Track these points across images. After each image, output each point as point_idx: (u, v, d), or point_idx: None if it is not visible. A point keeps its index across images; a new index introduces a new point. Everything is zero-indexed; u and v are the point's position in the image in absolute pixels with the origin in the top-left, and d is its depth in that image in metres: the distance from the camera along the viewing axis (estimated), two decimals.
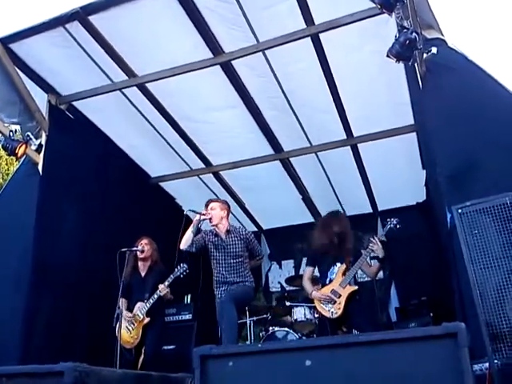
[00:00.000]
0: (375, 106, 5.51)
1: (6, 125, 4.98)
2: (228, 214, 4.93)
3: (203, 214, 4.68)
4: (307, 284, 4.97)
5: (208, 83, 5.34)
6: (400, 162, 6.41)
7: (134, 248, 5.05)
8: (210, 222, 4.72)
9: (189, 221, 4.80)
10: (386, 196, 7.17)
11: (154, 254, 5.29)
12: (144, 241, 5.23)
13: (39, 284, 4.65)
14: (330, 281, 4.76)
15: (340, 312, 4.56)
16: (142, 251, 5.15)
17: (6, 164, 21.07)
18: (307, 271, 5.10)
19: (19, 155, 4.80)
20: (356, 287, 4.68)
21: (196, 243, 4.66)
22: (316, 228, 5.06)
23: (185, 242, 4.63)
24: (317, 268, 5.05)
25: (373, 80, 5.13)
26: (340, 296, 4.60)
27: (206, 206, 4.83)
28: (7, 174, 20.69)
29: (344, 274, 4.71)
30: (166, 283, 4.99)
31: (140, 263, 5.27)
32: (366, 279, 5.86)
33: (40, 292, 4.65)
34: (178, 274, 5.00)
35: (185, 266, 5.01)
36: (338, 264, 4.79)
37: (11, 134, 4.86)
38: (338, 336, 4.27)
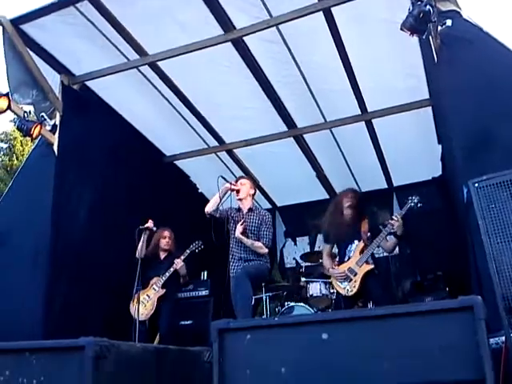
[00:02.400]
0: (389, 81, 5.43)
1: (21, 106, 5.00)
2: (254, 194, 5.00)
3: (234, 184, 4.77)
4: (326, 260, 5.00)
5: (220, 60, 5.31)
6: (415, 137, 6.34)
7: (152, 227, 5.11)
8: (237, 194, 4.80)
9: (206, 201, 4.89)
10: (402, 171, 7.12)
11: (174, 245, 5.49)
12: (167, 234, 5.40)
13: (57, 264, 4.74)
14: (349, 258, 4.77)
15: (355, 290, 4.57)
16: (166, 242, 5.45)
17: (21, 145, 21.33)
18: (325, 248, 5.12)
19: (34, 136, 4.83)
20: (372, 266, 4.65)
21: (221, 210, 4.77)
22: (330, 206, 5.05)
23: (211, 205, 4.75)
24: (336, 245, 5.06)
25: (387, 54, 5.05)
26: (356, 274, 4.61)
27: (237, 180, 4.94)
28: (22, 155, 20.94)
29: (362, 251, 4.70)
30: (182, 257, 5.16)
31: (161, 252, 5.48)
32: (382, 255, 5.87)
33: (58, 272, 4.74)
34: (193, 249, 5.20)
35: (200, 242, 5.19)
36: (356, 242, 4.77)
37: (25, 114, 4.88)
38: (355, 309, 4.30)
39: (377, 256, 5.13)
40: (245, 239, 4.60)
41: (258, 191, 7.73)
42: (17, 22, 4.98)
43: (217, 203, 4.73)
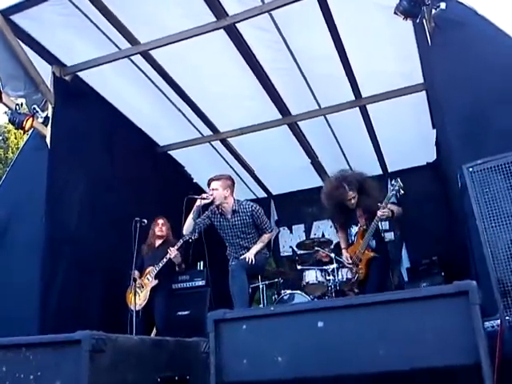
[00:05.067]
0: (383, 66, 5.39)
1: (12, 98, 4.96)
2: (232, 191, 4.74)
3: (204, 198, 4.53)
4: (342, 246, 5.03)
5: (213, 48, 5.26)
6: (409, 122, 6.32)
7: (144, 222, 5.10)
8: (213, 203, 4.61)
9: (191, 203, 4.65)
10: (396, 157, 7.11)
11: (168, 232, 5.52)
12: (160, 221, 5.41)
13: (52, 255, 4.73)
14: (352, 242, 4.82)
15: (362, 276, 4.65)
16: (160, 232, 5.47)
17: (15, 138, 21.21)
18: (339, 237, 5.15)
19: (26, 128, 4.80)
20: (372, 254, 4.64)
21: (199, 227, 4.65)
22: (323, 192, 4.93)
23: (186, 228, 4.63)
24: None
25: (380, 38, 5.01)
26: (361, 260, 4.66)
27: (208, 185, 4.71)
28: (17, 148, 20.81)
29: (362, 237, 4.70)
30: (176, 247, 5.15)
31: (156, 240, 5.52)
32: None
33: (54, 262, 4.73)
34: (187, 238, 5.14)
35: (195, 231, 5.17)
36: (354, 227, 4.80)
37: (17, 107, 4.84)
38: (350, 297, 4.32)
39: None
40: (254, 253, 4.56)
41: (253, 180, 7.84)
42: (7, 13, 4.91)
43: (192, 226, 4.57)
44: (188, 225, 4.60)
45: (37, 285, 4.53)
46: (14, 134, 20.97)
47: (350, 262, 4.73)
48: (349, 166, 7.20)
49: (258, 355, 2.02)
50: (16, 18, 4.99)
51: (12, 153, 20.74)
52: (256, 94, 5.97)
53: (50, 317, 4.51)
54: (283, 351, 1.98)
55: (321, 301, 4.97)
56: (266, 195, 8.27)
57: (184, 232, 4.67)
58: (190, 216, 4.57)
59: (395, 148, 6.88)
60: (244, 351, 2.05)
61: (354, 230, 4.81)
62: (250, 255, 4.51)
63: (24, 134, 5.13)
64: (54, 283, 4.71)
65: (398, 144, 6.73)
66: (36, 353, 2.12)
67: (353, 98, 6.02)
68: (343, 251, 4.91)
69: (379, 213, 4.48)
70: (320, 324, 1.96)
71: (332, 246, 6.18)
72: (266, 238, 4.72)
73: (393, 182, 4.64)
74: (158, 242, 5.55)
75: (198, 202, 4.54)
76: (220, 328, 2.11)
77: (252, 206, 4.69)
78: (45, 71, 5.36)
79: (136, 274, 5.09)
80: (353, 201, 4.69)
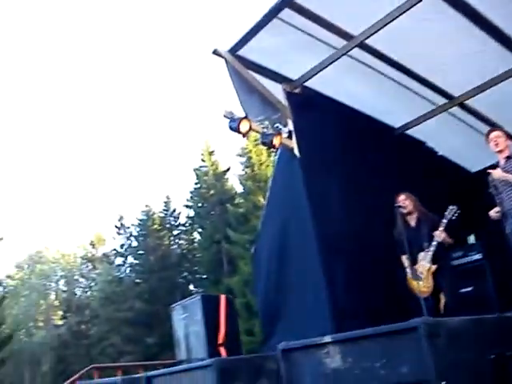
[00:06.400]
0: None
1: (257, 123, 5.53)
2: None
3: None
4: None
5: (429, 15, 5.00)
6: None
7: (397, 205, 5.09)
8: (496, 147, 4.56)
9: None
10: None
11: (416, 205, 5.28)
12: (401, 197, 5.26)
13: (328, 253, 5.07)
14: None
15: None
16: (404, 207, 5.20)
17: (257, 155, 23.45)
18: None
19: (277, 146, 5.31)
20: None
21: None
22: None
23: None
24: None
25: None
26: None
27: (487, 135, 4.67)
28: (260, 164, 23.03)
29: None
30: (441, 228, 4.94)
31: (408, 217, 5.32)
32: None
33: (332, 259, 5.06)
34: (449, 217, 4.93)
35: (454, 207, 4.95)
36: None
37: (264, 130, 5.38)
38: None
39: None
40: None
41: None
42: (233, 50, 5.56)
43: None
44: None
45: (321, 278, 4.89)
46: (255, 152, 23.23)
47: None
48: None
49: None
50: (241, 52, 5.59)
51: (258, 169, 22.95)
52: (484, 47, 5.42)
53: (338, 308, 4.81)
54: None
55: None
56: None
57: None
58: None
59: None
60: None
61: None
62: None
63: (275, 151, 5.64)
64: (336, 279, 5.02)
65: None
66: (378, 342, 2.31)
67: None
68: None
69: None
70: None
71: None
72: None
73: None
74: (412, 220, 5.32)
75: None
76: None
77: None
78: (275, 90, 5.86)
79: (404, 259, 5.07)
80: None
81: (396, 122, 6.91)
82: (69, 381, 7.43)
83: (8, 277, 36.44)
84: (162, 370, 3.72)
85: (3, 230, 26.75)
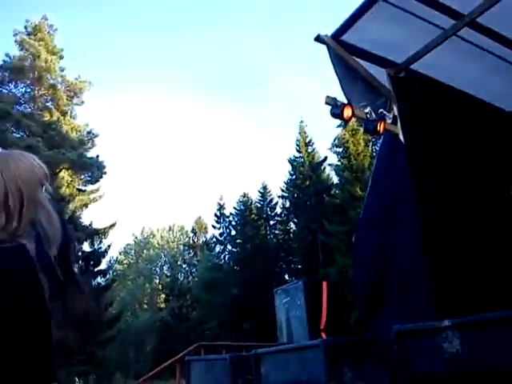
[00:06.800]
0: None
1: (361, 109, 5.45)
2: None
3: None
4: None
5: None
6: None
7: None
8: None
9: None
10: None
11: None
12: None
13: (432, 240, 4.91)
14: None
15: None
16: None
17: (354, 145, 23.05)
18: None
19: (381, 132, 5.20)
20: None
21: None
22: None
23: None
24: None
25: None
26: None
27: None
28: (357, 154, 22.63)
29: None
30: None
31: None
32: None
33: (435, 247, 4.89)
34: None
35: None
36: None
37: (367, 116, 5.29)
38: None
39: None
40: None
41: None
42: (336, 35, 5.50)
43: None
44: None
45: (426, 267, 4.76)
46: (352, 142, 22.85)
47: None
48: None
49: None
50: (344, 37, 5.52)
51: (355, 159, 22.56)
52: None
53: (445, 298, 4.65)
54: None
55: None
56: None
57: None
58: None
59: None
60: None
61: None
62: None
63: (379, 137, 5.54)
64: (441, 268, 4.84)
65: None
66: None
67: None
68: None
69: None
70: None
71: None
72: None
73: None
74: None
75: None
76: None
77: None
78: (380, 75, 5.73)
79: None
80: None
81: (509, 105, 6.49)
82: (177, 356, 7.84)
83: (116, 261, 39.09)
84: (269, 348, 3.81)
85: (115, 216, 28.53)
